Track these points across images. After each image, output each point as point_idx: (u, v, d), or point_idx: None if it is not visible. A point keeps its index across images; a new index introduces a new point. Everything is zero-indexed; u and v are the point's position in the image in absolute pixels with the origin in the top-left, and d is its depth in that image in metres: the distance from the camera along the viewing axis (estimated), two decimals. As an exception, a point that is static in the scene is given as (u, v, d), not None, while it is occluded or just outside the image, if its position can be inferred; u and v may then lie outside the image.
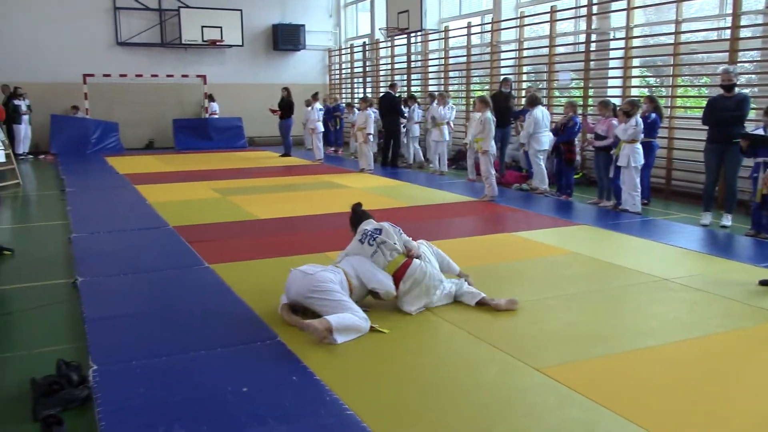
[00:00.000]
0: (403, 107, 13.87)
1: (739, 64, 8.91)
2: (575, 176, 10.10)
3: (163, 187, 10.62)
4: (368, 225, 4.79)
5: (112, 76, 17.74)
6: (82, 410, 3.19)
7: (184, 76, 18.70)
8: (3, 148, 11.47)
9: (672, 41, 9.91)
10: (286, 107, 15.89)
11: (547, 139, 10.00)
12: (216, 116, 18.75)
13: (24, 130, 15.89)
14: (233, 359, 3.72)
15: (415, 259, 4.59)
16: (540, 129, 9.95)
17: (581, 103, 11.60)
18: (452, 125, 12.87)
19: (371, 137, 12.95)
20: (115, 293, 4.96)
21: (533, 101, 10.14)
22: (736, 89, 7.63)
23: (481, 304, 4.59)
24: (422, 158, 14.35)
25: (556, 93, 12.58)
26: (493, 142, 9.40)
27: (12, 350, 4.02)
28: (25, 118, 15.83)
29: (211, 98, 18.73)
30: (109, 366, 3.59)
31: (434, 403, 3.22)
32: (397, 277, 4.48)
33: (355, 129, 12.98)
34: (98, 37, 18.23)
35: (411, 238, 4.77)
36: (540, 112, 9.98)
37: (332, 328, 3.92)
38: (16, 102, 15.56)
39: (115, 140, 17.65)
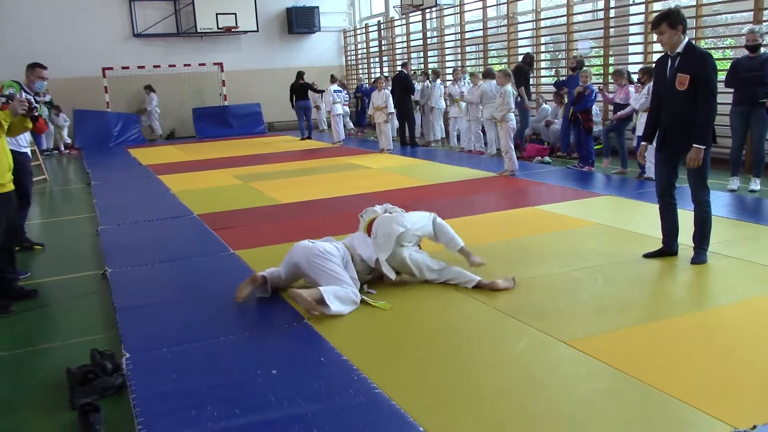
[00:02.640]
0: (417, 84, 13.79)
1: (765, 23, 8.67)
2: (596, 146, 9.98)
3: (186, 176, 10.71)
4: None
5: (130, 68, 17.86)
6: (117, 397, 3.27)
7: (201, 64, 18.76)
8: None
9: (694, 3, 9.67)
10: (300, 90, 15.88)
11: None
12: (157, 111, 18.07)
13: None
14: (261, 343, 3.77)
15: (384, 214, 4.74)
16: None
17: (602, 71, 11.43)
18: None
19: (392, 116, 12.92)
20: (143, 282, 5.04)
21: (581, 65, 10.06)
22: (762, 49, 7.44)
23: (479, 287, 4.52)
24: (444, 135, 14.27)
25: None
26: (512, 116, 9.31)
27: (47, 341, 4.12)
28: (46, 113, 16.00)
29: (150, 89, 17.99)
30: (142, 353, 3.66)
31: (463, 380, 3.23)
32: (368, 232, 4.62)
33: (372, 109, 12.89)
34: (115, 30, 18.33)
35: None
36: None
37: (322, 298, 4.03)
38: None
39: (136, 132, 17.83)
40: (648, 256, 4.99)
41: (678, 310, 4.03)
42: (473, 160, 11.09)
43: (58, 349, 3.97)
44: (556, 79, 11.48)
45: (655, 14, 10.34)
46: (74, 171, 12.92)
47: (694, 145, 4.57)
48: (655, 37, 10.56)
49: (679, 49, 4.61)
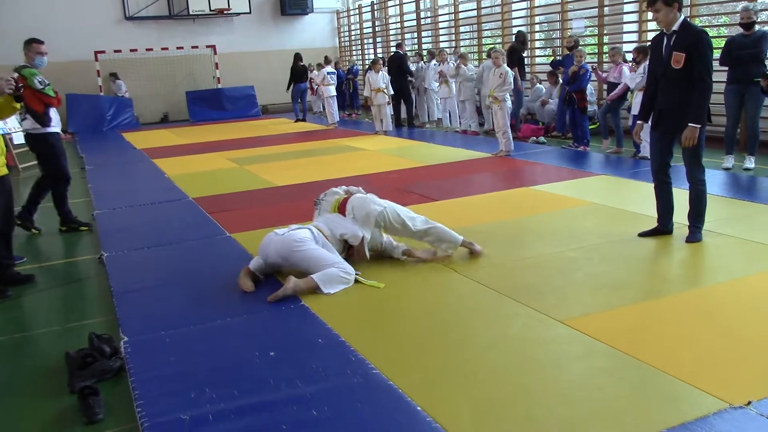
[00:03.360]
0: (411, 65, 13.72)
1: (759, 1, 8.64)
2: (591, 126, 9.97)
3: (181, 159, 10.67)
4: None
5: (122, 52, 17.71)
6: (116, 380, 3.28)
7: (194, 47, 18.60)
8: (21, 129, 11.58)
9: (688, -20, 9.63)
10: (297, 73, 15.81)
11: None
12: (126, 96, 17.76)
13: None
14: (259, 325, 3.78)
15: (355, 194, 4.78)
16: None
17: (597, 51, 11.39)
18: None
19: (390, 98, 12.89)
20: (140, 266, 5.03)
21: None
22: (756, 27, 7.41)
23: (408, 255, 4.73)
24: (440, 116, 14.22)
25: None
26: (509, 96, 9.29)
27: (45, 326, 4.12)
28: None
29: (115, 77, 17.79)
30: (139, 337, 3.67)
31: (459, 359, 3.25)
32: (341, 212, 4.67)
33: (369, 91, 12.79)
34: (106, 13, 18.12)
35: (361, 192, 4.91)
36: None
37: (317, 286, 4.11)
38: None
39: (130, 116, 17.71)
40: (643, 234, 5.01)
41: (673, 288, 4.05)
42: (468, 140, 11.07)
43: (56, 333, 3.98)
44: (552, 58, 11.43)
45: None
46: (68, 156, 12.81)
47: (690, 124, 4.57)
48: (650, 15, 10.52)
49: (675, 27, 4.59)
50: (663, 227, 5.01)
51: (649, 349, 3.21)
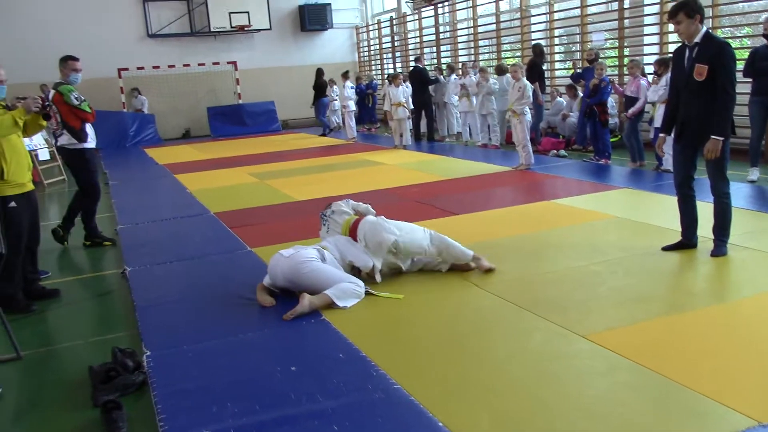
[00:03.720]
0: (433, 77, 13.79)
1: (782, 12, 8.57)
2: (612, 139, 9.89)
3: (202, 174, 10.78)
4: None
5: (145, 69, 17.98)
6: (138, 394, 3.31)
7: (215, 63, 18.83)
8: (46, 146, 11.80)
9: (710, -8, 9.56)
10: (319, 89, 15.96)
11: None
12: (145, 112, 17.89)
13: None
14: (280, 340, 3.79)
15: (366, 216, 4.70)
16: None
17: (617, 63, 11.33)
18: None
19: (411, 112, 12.96)
20: (162, 281, 5.08)
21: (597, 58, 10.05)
22: (780, 38, 7.33)
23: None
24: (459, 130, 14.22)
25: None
26: (528, 109, 9.28)
27: (69, 340, 4.17)
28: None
29: (138, 91, 17.89)
30: (162, 351, 3.69)
31: (480, 373, 3.23)
32: (352, 236, 4.60)
33: (389, 105, 12.80)
34: (129, 30, 18.46)
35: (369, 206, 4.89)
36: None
37: (332, 301, 4.12)
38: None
39: (152, 132, 17.94)
40: (667, 249, 4.94)
41: (698, 302, 3.99)
42: (488, 154, 11.05)
43: (80, 347, 4.02)
44: (573, 71, 11.40)
45: (670, 4, 10.30)
46: (92, 171, 13.02)
47: (712, 137, 4.52)
48: (671, 27, 10.44)
49: (697, 39, 4.55)
50: (687, 241, 4.95)
51: (673, 365, 3.16)
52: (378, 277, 4.49)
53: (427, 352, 3.53)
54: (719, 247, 4.77)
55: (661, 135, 5.17)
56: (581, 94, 10.94)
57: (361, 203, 4.96)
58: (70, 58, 6.22)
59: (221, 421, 2.88)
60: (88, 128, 6.25)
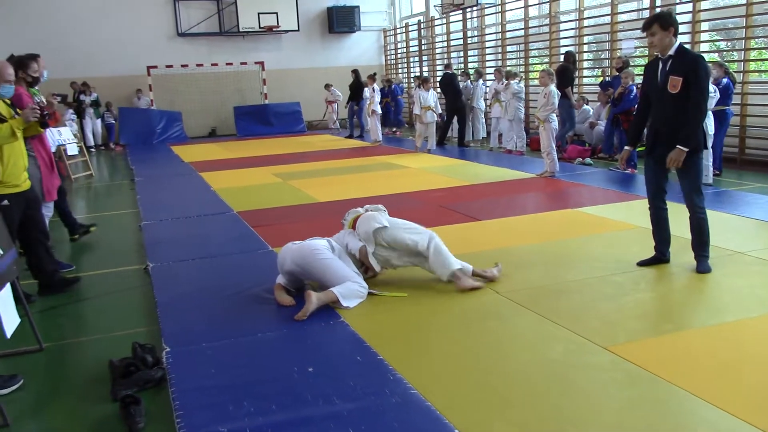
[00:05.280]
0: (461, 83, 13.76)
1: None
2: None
3: (227, 173, 10.86)
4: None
5: (174, 67, 18.20)
6: (156, 390, 3.33)
7: (242, 63, 19.00)
8: (75, 141, 11.98)
9: (744, 1, 9.40)
10: (355, 90, 15.99)
11: None
12: (153, 108, 17.99)
13: (89, 125, 16.43)
14: (299, 340, 3.79)
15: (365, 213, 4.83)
16: None
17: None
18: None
19: (438, 117, 12.96)
20: (184, 278, 5.12)
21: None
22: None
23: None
24: (485, 135, 14.16)
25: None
26: (554, 116, 9.20)
27: (90, 334, 4.22)
28: (89, 111, 16.37)
29: (140, 92, 18.07)
30: (181, 348, 3.72)
31: (499, 382, 3.20)
32: (353, 228, 4.72)
33: (419, 109, 12.77)
34: (159, 29, 18.71)
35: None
36: None
37: (337, 299, 4.19)
38: (82, 97, 16.18)
39: (179, 129, 18.15)
40: (642, 264, 4.87)
41: (724, 317, 3.91)
42: (513, 160, 10.98)
43: (101, 341, 4.06)
44: (602, 79, 11.29)
45: (703, 13, 10.16)
46: (119, 167, 13.22)
47: (678, 146, 4.47)
48: (703, 37, 10.29)
49: (671, 52, 4.53)
50: (662, 255, 4.89)
51: (697, 379, 3.10)
52: (373, 262, 4.55)
53: (445, 358, 3.51)
54: (702, 263, 4.69)
55: (626, 148, 5.11)
56: (609, 102, 10.85)
57: (375, 205, 5.01)
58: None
59: (237, 419, 2.89)
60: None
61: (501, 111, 12.36)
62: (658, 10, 10.93)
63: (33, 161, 5.20)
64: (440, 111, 12.91)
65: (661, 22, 4.49)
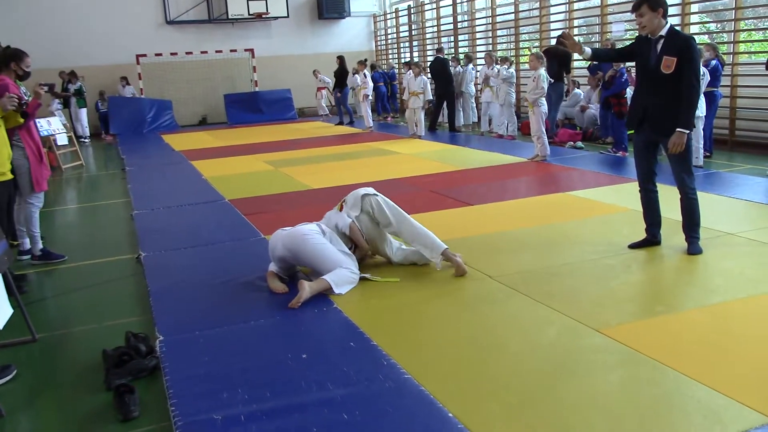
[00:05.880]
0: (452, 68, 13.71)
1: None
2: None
3: (218, 161, 10.81)
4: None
5: (163, 55, 18.06)
6: (151, 379, 3.33)
7: (232, 51, 18.86)
8: (65, 131, 11.90)
9: (733, -17, 9.40)
10: (339, 76, 15.92)
11: None
12: (143, 97, 17.71)
13: (75, 114, 15.94)
14: (292, 327, 3.80)
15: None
16: None
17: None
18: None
19: (426, 103, 12.91)
20: (176, 267, 5.11)
21: None
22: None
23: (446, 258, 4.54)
24: (476, 120, 14.14)
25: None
26: (544, 100, 9.19)
27: (83, 324, 4.21)
28: (72, 101, 15.91)
29: (126, 81, 17.69)
30: (175, 336, 3.72)
31: (492, 365, 3.22)
32: (340, 208, 4.79)
33: (407, 94, 12.82)
34: (148, 17, 18.54)
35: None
36: None
37: (329, 287, 4.19)
38: (68, 86, 15.86)
39: (169, 118, 18.03)
40: (633, 246, 4.90)
41: (714, 298, 3.94)
42: (505, 145, 10.98)
43: (94, 331, 4.06)
44: (590, 63, 11.28)
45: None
46: (110, 157, 13.14)
47: (678, 129, 4.46)
48: (693, 18, 10.27)
49: (662, 33, 4.52)
50: (653, 238, 4.91)
51: (690, 360, 3.13)
52: (362, 238, 4.60)
53: (439, 343, 3.53)
54: (693, 245, 4.72)
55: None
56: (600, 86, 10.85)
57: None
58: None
59: (232, 407, 2.89)
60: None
61: (492, 95, 12.32)
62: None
63: (21, 152, 5.17)
64: (430, 97, 12.85)
65: (650, 3, 4.48)
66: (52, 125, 11.18)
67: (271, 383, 3.09)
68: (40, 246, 5.57)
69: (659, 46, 4.53)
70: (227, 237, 5.87)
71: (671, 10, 10.60)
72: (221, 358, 3.41)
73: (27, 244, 5.59)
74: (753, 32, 10.18)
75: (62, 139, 11.60)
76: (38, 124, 8.37)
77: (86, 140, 15.92)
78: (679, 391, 2.88)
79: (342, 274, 4.30)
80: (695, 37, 10.10)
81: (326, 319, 3.90)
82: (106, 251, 5.85)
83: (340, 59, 16.18)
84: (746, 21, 9.94)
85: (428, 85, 12.79)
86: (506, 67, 11.76)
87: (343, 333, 3.67)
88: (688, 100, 4.46)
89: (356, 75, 15.27)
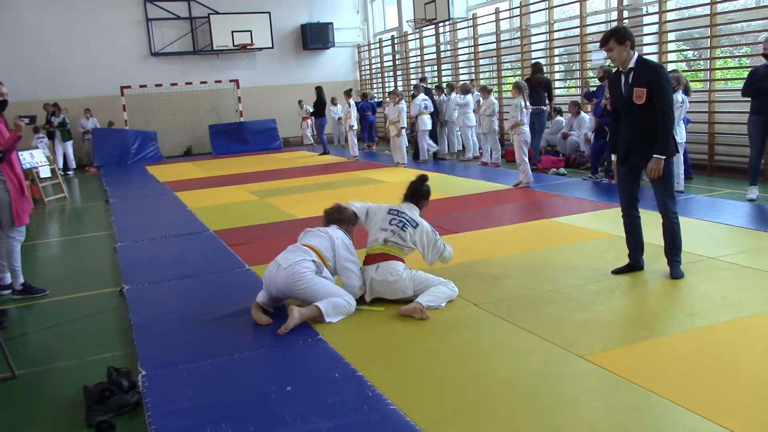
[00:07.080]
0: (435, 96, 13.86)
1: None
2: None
3: (203, 192, 10.79)
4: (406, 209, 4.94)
5: (148, 87, 18.10)
6: (133, 414, 3.28)
7: (217, 81, 18.95)
8: (48, 163, 11.84)
9: (708, 11, 9.62)
10: (317, 107, 16.05)
11: None
12: (96, 129, 17.26)
13: (58, 147, 15.71)
14: (276, 359, 3.77)
15: None
16: None
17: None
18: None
19: (404, 131, 12.99)
20: (160, 299, 5.06)
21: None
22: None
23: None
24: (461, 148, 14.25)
25: (590, 74, 12.29)
26: (526, 128, 9.30)
27: (64, 359, 4.14)
28: (57, 133, 15.77)
29: (89, 113, 17.50)
30: (157, 371, 3.67)
31: (478, 394, 3.20)
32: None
33: (388, 123, 13.00)
34: (132, 49, 18.62)
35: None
36: None
37: (321, 315, 4.17)
38: (52, 119, 15.74)
39: (154, 149, 18.01)
40: (617, 272, 4.94)
41: (698, 322, 3.96)
42: (489, 172, 11.06)
43: (75, 366, 4.00)
44: (585, 90, 11.45)
45: (669, 23, 10.38)
46: (93, 189, 13.07)
47: (654, 156, 4.57)
48: (671, 47, 10.48)
49: (631, 64, 4.64)
50: (635, 263, 4.96)
51: (673, 386, 3.13)
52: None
53: (424, 373, 3.51)
54: (675, 269, 4.77)
55: (613, 158, 5.12)
56: (587, 114, 10.99)
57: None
58: None
59: (215, 442, 2.85)
60: None
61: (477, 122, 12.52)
62: (625, 22, 11.15)
63: (2, 185, 5.14)
64: (404, 125, 12.95)
65: (617, 37, 4.61)
66: (35, 158, 11.13)
67: (255, 417, 3.06)
68: (21, 280, 5.50)
69: (630, 78, 4.64)
70: (211, 268, 5.83)
71: (649, 39, 10.85)
72: (205, 392, 3.37)
73: (8, 278, 5.53)
74: (729, 59, 10.40)
75: (45, 172, 11.54)
76: (20, 157, 8.34)
77: (70, 172, 15.83)
78: (665, 417, 2.88)
79: (336, 303, 4.26)
80: (672, 65, 10.35)
81: (311, 350, 3.87)
82: (88, 285, 5.79)
83: (318, 89, 16.33)
84: (722, 49, 10.16)
85: (404, 113, 12.91)
86: (461, 96, 11.96)
87: (328, 364, 3.64)
88: (663, 127, 4.56)
89: (335, 106, 15.39)
